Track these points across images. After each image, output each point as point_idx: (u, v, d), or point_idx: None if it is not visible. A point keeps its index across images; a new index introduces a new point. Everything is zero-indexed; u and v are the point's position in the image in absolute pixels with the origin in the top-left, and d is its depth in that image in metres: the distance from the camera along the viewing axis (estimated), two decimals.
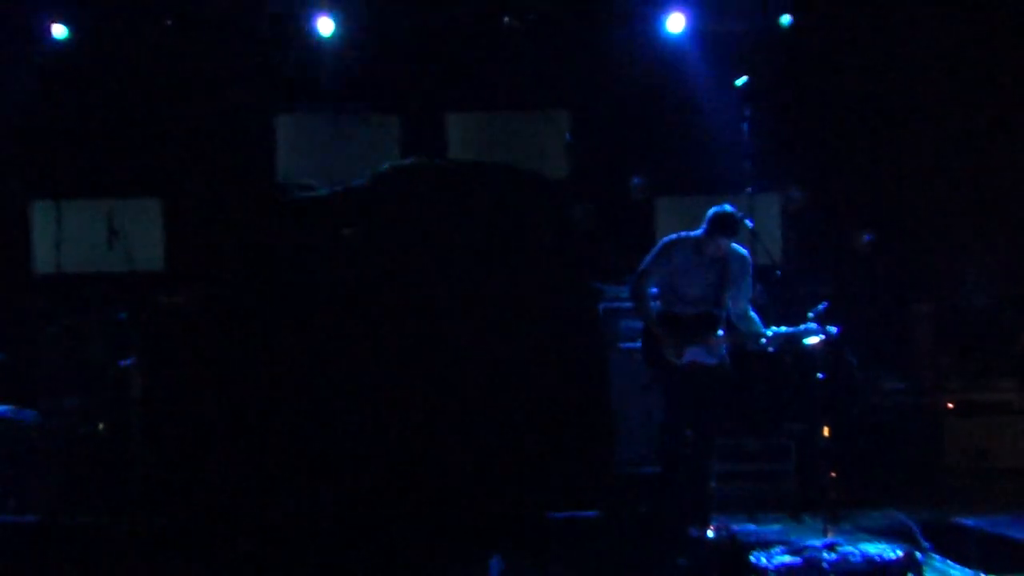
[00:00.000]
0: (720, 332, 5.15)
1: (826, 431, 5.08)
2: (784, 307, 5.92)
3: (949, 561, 4.63)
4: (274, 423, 5.37)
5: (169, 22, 7.43)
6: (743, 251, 5.34)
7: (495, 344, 5.52)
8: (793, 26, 7.47)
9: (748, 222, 5.64)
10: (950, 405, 6.41)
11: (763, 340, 5.13)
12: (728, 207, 5.19)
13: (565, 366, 5.42)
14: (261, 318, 5.72)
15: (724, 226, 5.11)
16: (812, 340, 5.00)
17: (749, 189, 6.35)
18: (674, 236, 5.34)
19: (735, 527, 5.20)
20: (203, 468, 5.30)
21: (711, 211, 5.20)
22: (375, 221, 6.05)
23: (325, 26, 7.48)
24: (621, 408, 5.81)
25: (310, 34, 7.51)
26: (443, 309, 5.64)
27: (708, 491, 5.14)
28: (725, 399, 5.26)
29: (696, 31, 7.51)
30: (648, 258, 5.31)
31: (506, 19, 7.52)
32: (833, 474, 5.08)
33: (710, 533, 4.91)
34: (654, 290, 5.32)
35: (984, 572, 4.42)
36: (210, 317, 5.88)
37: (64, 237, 6.87)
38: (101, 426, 6.09)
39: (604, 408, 5.51)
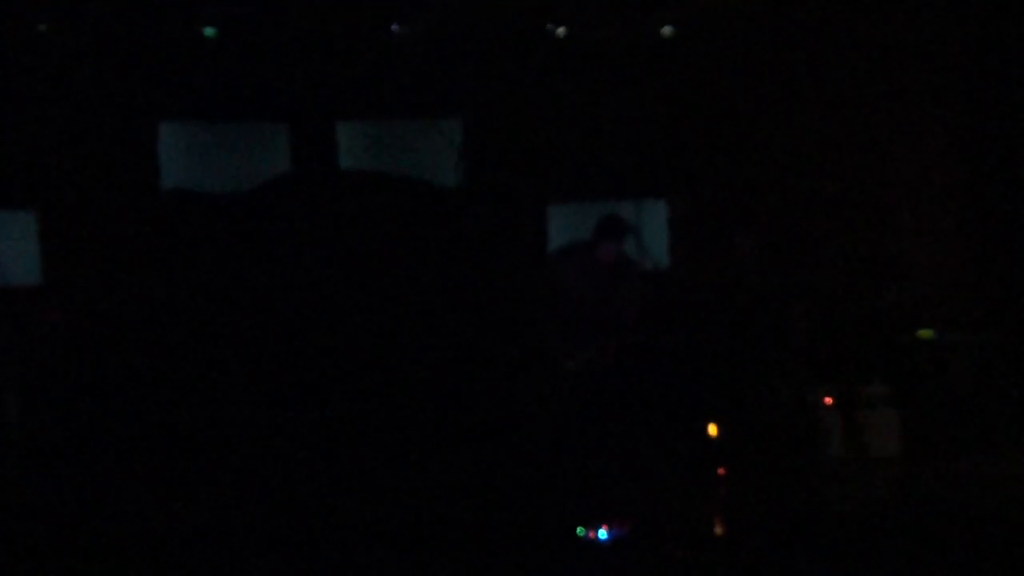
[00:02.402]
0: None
1: (712, 429, 5.24)
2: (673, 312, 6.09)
3: None
4: (160, 437, 5.24)
5: (43, 27, 7.14)
6: (631, 256, 5.48)
7: (383, 355, 5.52)
8: (674, 35, 7.70)
9: (636, 228, 5.80)
10: (828, 400, 6.71)
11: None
12: (614, 212, 5.32)
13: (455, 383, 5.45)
14: (146, 330, 5.57)
15: (609, 229, 5.23)
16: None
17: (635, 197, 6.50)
18: (565, 244, 5.44)
19: None
20: (86, 487, 5.12)
21: (600, 217, 5.32)
22: (263, 230, 5.98)
23: (211, 31, 7.32)
24: None
25: (196, 39, 7.34)
26: (331, 318, 5.60)
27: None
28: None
29: (583, 39, 7.66)
30: (543, 265, 5.40)
31: (395, 27, 7.51)
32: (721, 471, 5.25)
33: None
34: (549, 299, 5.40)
35: None
36: (90, 331, 5.70)
37: None
38: None
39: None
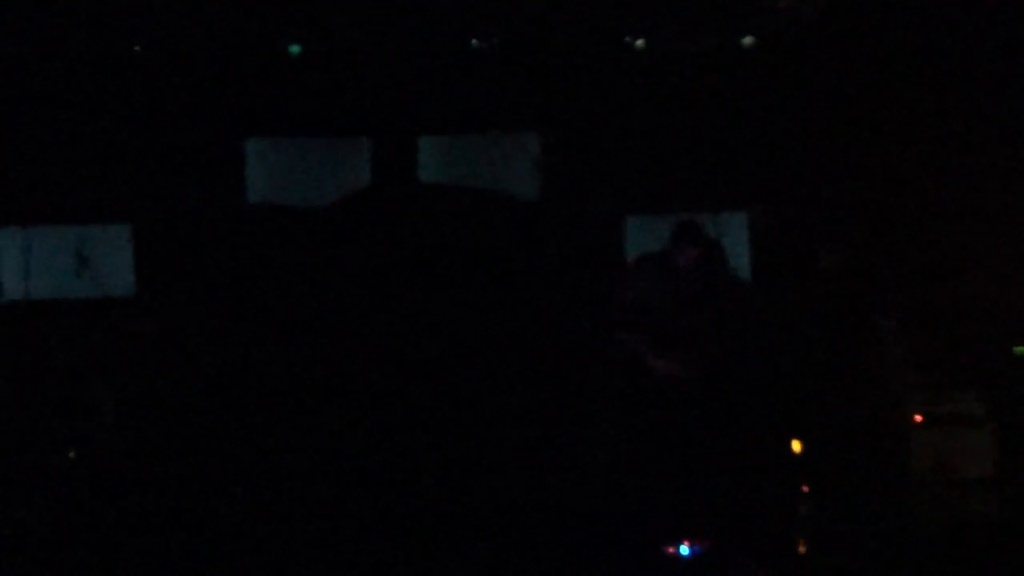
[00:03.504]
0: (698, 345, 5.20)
1: (796, 446, 5.14)
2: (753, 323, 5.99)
3: None
4: (249, 448, 5.37)
5: (138, 48, 7.42)
6: (712, 266, 5.42)
7: (466, 364, 5.57)
8: (755, 46, 7.61)
9: (714, 238, 5.73)
10: (918, 418, 6.52)
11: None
12: (691, 219, 5.28)
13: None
14: (234, 341, 5.73)
15: (687, 234, 5.19)
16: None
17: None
18: (642, 254, 5.41)
19: None
20: (176, 491, 5.28)
21: (676, 224, 5.29)
22: (345, 242, 6.10)
23: (295, 49, 7.51)
24: None
25: (280, 58, 7.54)
26: (412, 328, 5.68)
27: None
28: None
29: (662, 50, 7.63)
30: (619, 277, 5.38)
31: (474, 41, 7.60)
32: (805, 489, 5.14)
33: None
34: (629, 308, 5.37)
35: None
36: (181, 342, 5.89)
37: (32, 263, 6.83)
38: (72, 454, 6.05)
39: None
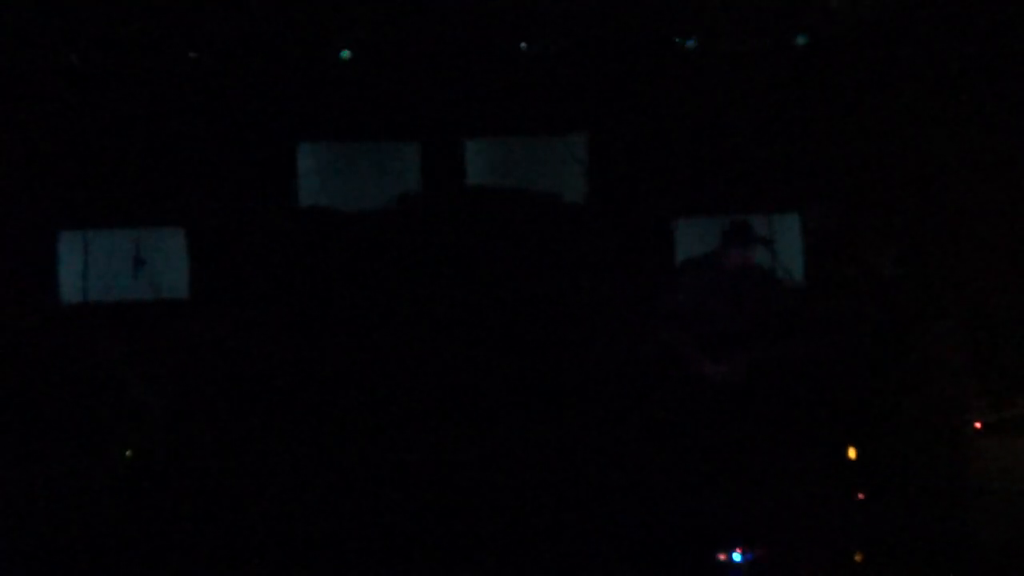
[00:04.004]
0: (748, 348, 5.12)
1: (852, 452, 5.04)
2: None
3: None
4: (304, 448, 5.42)
5: (193, 54, 7.55)
6: (762, 268, 5.34)
7: (515, 366, 5.56)
8: (809, 45, 7.49)
9: (766, 239, 5.64)
10: (978, 425, 6.34)
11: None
12: (742, 219, 5.21)
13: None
14: (286, 344, 5.79)
15: (737, 235, 5.12)
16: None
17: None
18: (692, 256, 5.35)
19: None
20: (229, 494, 5.34)
21: (726, 225, 5.22)
22: (395, 245, 6.14)
23: (345, 53, 7.58)
24: None
25: (330, 63, 7.61)
26: (461, 332, 5.69)
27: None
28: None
29: (713, 51, 7.55)
30: (670, 280, 5.33)
31: (523, 44, 7.59)
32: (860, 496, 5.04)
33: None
34: (678, 312, 5.31)
35: None
36: (234, 344, 5.96)
37: (91, 266, 6.98)
38: (128, 452, 6.16)
39: None
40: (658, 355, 5.34)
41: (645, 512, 4.95)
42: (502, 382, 5.72)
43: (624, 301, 6.47)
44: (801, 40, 7.46)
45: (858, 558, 4.90)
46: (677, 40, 7.51)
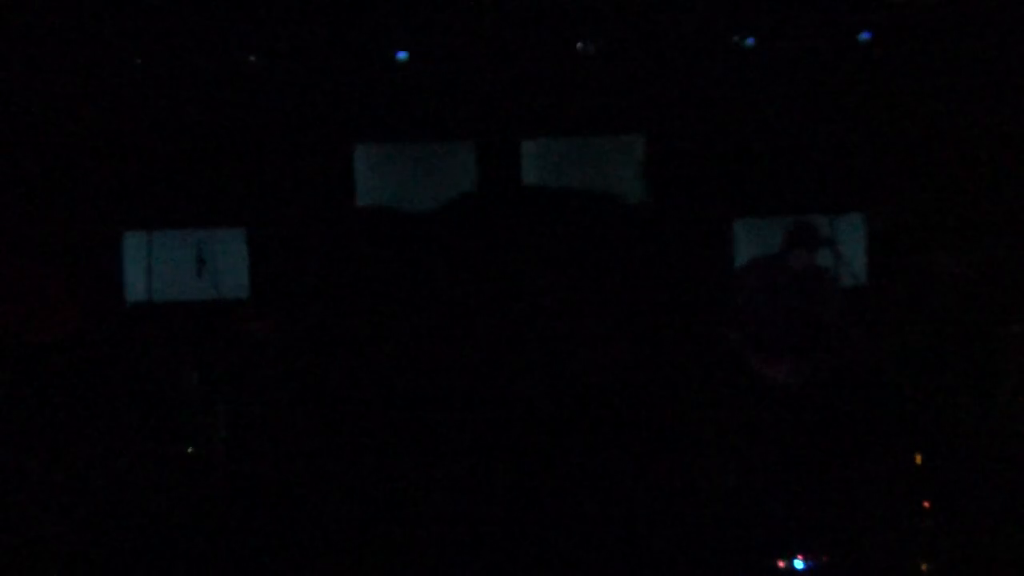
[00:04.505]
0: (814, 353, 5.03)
1: (918, 458, 4.92)
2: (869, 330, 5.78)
3: None
4: (361, 446, 5.46)
5: (253, 58, 7.66)
6: (826, 269, 5.24)
7: (572, 368, 5.54)
8: (872, 42, 7.34)
9: (830, 240, 5.54)
10: None
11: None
12: (806, 220, 5.12)
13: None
14: (345, 341, 5.85)
15: (802, 240, 5.03)
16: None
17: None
18: (754, 257, 5.27)
19: None
20: (289, 488, 5.41)
21: (790, 226, 5.13)
22: (451, 245, 6.16)
23: (403, 55, 7.63)
24: None
25: (388, 65, 7.67)
26: (518, 332, 5.68)
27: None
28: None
29: (773, 48, 7.44)
30: (731, 283, 5.26)
31: (580, 44, 7.56)
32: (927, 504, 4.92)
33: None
34: (740, 314, 5.24)
35: None
36: (293, 343, 6.04)
37: (155, 267, 7.13)
38: (190, 449, 6.27)
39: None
40: (720, 358, 5.27)
41: (707, 517, 4.89)
42: (560, 384, 5.70)
43: (683, 303, 6.41)
44: (864, 36, 7.31)
45: (923, 568, 4.78)
46: (735, 38, 7.41)
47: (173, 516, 5.70)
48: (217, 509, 5.70)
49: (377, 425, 5.67)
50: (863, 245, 7.28)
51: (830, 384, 5.15)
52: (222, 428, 6.20)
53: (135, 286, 7.52)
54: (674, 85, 7.55)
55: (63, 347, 7.11)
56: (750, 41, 7.37)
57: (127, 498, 5.82)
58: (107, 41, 7.25)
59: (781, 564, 4.54)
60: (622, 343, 5.53)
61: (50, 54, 7.20)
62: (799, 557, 4.56)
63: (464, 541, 4.87)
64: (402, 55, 7.57)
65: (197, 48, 7.54)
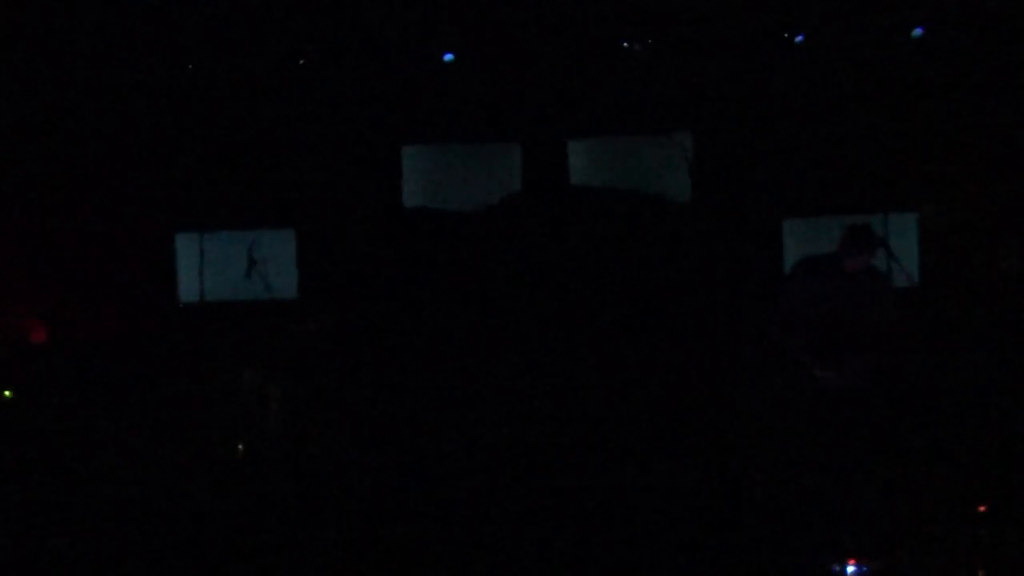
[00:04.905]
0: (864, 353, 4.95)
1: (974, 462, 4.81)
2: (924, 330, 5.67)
3: None
4: (410, 442, 5.50)
5: (302, 61, 7.75)
6: (881, 270, 5.16)
7: (619, 369, 5.52)
8: (926, 38, 7.20)
9: (885, 241, 5.44)
10: None
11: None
12: (862, 222, 5.04)
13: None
14: (392, 340, 5.89)
15: (857, 238, 4.94)
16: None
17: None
18: (806, 257, 5.20)
19: None
20: (339, 485, 5.47)
21: (844, 227, 5.06)
22: (500, 246, 6.17)
23: (449, 57, 7.66)
24: None
25: (434, 66, 7.71)
26: (564, 331, 5.67)
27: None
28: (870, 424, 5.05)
29: (824, 45, 7.33)
30: (783, 283, 5.19)
31: (625, 44, 7.52)
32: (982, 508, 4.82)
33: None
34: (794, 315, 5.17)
35: None
36: (342, 340, 6.10)
37: (207, 267, 7.25)
38: (240, 447, 6.37)
39: None
40: (771, 361, 5.22)
41: (759, 521, 4.85)
42: (608, 384, 5.68)
43: (730, 303, 6.35)
44: (917, 32, 7.17)
45: (980, 574, 4.68)
46: (785, 35, 7.31)
47: (225, 513, 5.78)
48: (268, 506, 5.77)
49: (425, 422, 5.70)
50: (917, 245, 7.14)
51: (884, 386, 5.07)
52: (272, 426, 6.28)
53: (188, 286, 7.66)
54: (722, 83, 7.48)
55: (119, 346, 7.26)
56: (799, 37, 7.27)
57: (179, 495, 5.92)
58: (161, 45, 7.38)
59: (836, 568, 4.48)
60: (671, 344, 5.49)
61: (103, 59, 7.35)
62: (852, 562, 4.50)
63: (517, 536, 4.87)
64: (449, 56, 7.60)
65: (247, 52, 7.64)
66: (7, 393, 6.77)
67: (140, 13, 6.97)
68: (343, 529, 5.18)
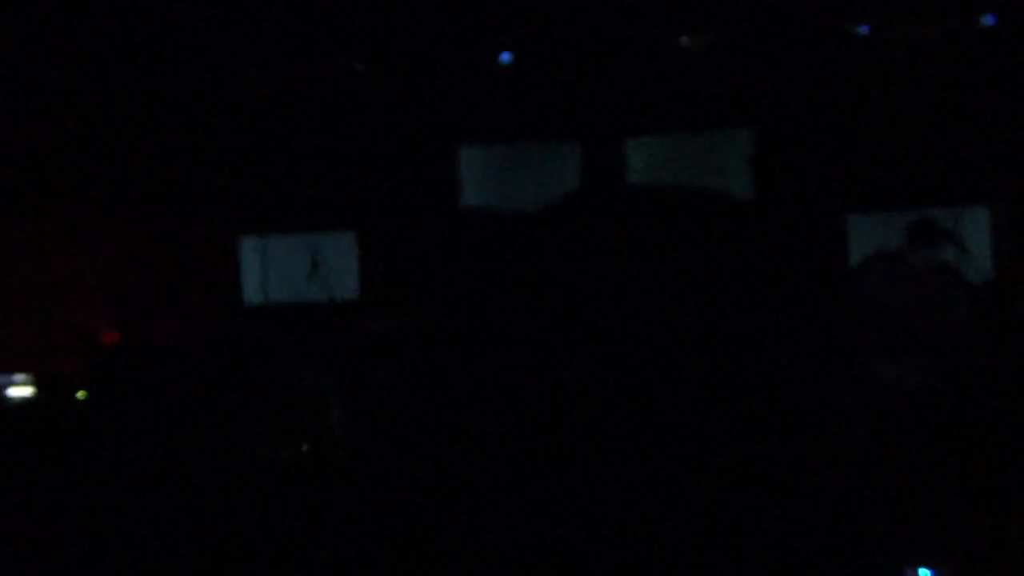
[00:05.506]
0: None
1: None
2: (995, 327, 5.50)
3: None
4: (470, 442, 5.50)
5: (359, 66, 7.84)
6: (951, 266, 5.01)
7: (683, 369, 5.45)
8: (996, 26, 6.98)
9: (955, 236, 5.29)
10: None
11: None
12: (929, 217, 4.91)
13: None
14: (453, 340, 5.90)
15: (926, 236, 4.82)
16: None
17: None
18: (873, 254, 5.09)
19: None
20: (404, 486, 5.50)
21: (912, 221, 4.93)
22: (557, 245, 6.14)
23: (506, 57, 7.67)
24: None
25: (491, 67, 7.72)
26: (625, 332, 5.62)
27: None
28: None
29: (889, 37, 7.16)
30: (849, 281, 5.09)
31: (683, 39, 7.44)
32: None
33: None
34: (859, 311, 5.06)
35: None
36: (403, 341, 6.13)
37: (271, 270, 7.38)
38: (305, 447, 6.45)
39: None
40: (838, 359, 5.12)
41: (827, 523, 4.75)
42: (671, 385, 5.61)
43: (794, 302, 6.23)
44: (987, 20, 6.96)
45: None
46: (848, 27, 7.16)
47: (290, 514, 5.86)
48: (333, 507, 5.83)
49: (487, 422, 5.70)
50: (989, 239, 6.93)
51: (955, 385, 4.92)
52: (337, 427, 6.35)
53: (252, 289, 7.79)
54: (783, 77, 7.35)
55: (186, 348, 7.41)
56: (864, 29, 7.11)
57: (245, 496, 6.02)
58: (220, 52, 7.52)
59: (907, 573, 4.36)
60: (734, 345, 5.41)
61: (170, 66, 7.52)
62: (924, 566, 4.38)
63: (594, 535, 4.85)
64: (505, 57, 7.61)
65: (306, 57, 7.75)
66: (80, 394, 6.97)
67: (205, 22, 7.12)
68: (411, 530, 5.21)
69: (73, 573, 4.87)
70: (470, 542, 4.96)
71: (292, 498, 5.96)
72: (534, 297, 5.89)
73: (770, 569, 4.47)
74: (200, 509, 5.58)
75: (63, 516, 5.46)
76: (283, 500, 5.94)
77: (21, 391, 6.83)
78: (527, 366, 5.68)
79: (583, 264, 5.89)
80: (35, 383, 6.82)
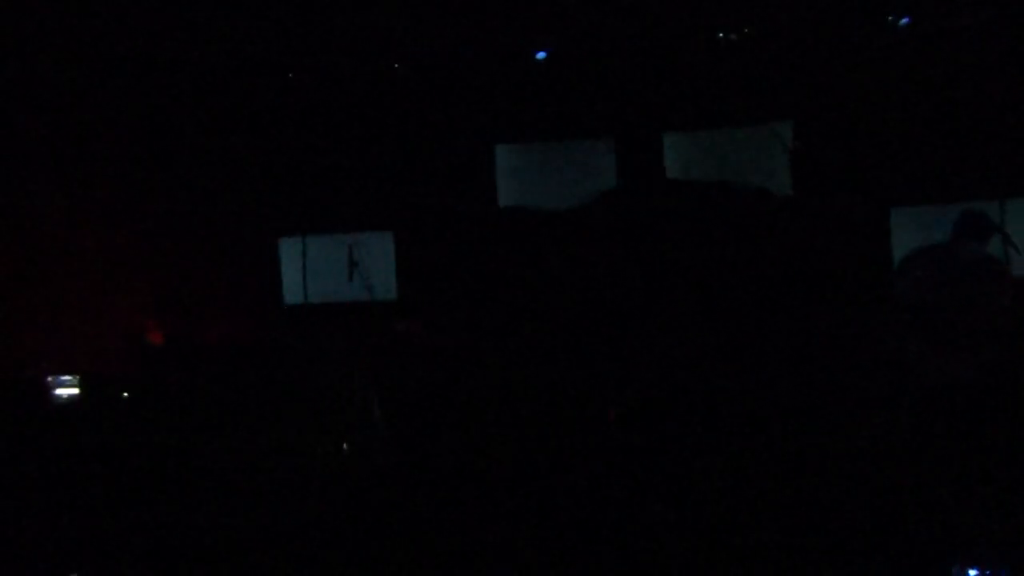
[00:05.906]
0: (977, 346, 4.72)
1: None
2: None
3: None
4: (507, 439, 5.50)
5: (397, 66, 7.88)
6: (997, 259, 4.90)
7: (723, 363, 5.41)
8: None
9: (1002, 228, 5.18)
10: None
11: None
12: (976, 209, 4.81)
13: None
14: (490, 339, 5.91)
15: (973, 229, 4.72)
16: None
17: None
18: (918, 248, 4.99)
19: None
20: (443, 484, 5.51)
21: (958, 214, 4.83)
22: (594, 242, 6.13)
23: (542, 54, 7.65)
24: None
25: (527, 65, 7.72)
26: (664, 326, 5.59)
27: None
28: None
29: (928, 29, 7.03)
30: (894, 274, 4.99)
31: (721, 34, 7.37)
32: None
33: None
34: (905, 305, 4.97)
35: None
36: (440, 340, 6.16)
37: (310, 270, 7.45)
38: (345, 446, 6.48)
39: None
40: (880, 352, 5.03)
41: (873, 522, 4.68)
42: (711, 379, 5.57)
43: (837, 295, 6.15)
44: None
45: None
46: (889, 17, 7.04)
47: (330, 512, 5.89)
48: (373, 505, 5.85)
49: (525, 420, 5.70)
50: None
51: (1003, 379, 4.82)
52: (377, 425, 6.38)
53: (292, 289, 7.87)
54: (823, 69, 7.25)
55: (227, 347, 7.51)
56: (905, 20, 6.98)
57: (286, 494, 6.06)
58: (262, 57, 7.59)
59: (956, 572, 4.28)
60: (776, 340, 5.35)
61: (212, 70, 7.62)
62: (973, 567, 4.29)
63: (620, 533, 4.82)
64: (541, 55, 7.59)
65: (344, 59, 7.80)
66: (126, 394, 7.08)
67: (240, 28, 7.19)
68: (450, 528, 5.21)
69: (121, 568, 4.94)
70: (511, 539, 4.96)
71: (333, 497, 6.00)
72: (571, 294, 5.88)
73: (819, 568, 4.42)
74: (243, 507, 5.63)
75: (110, 514, 5.55)
76: (324, 499, 5.98)
77: (69, 391, 6.96)
78: (564, 363, 5.67)
79: (620, 260, 5.87)
80: (82, 384, 6.93)
